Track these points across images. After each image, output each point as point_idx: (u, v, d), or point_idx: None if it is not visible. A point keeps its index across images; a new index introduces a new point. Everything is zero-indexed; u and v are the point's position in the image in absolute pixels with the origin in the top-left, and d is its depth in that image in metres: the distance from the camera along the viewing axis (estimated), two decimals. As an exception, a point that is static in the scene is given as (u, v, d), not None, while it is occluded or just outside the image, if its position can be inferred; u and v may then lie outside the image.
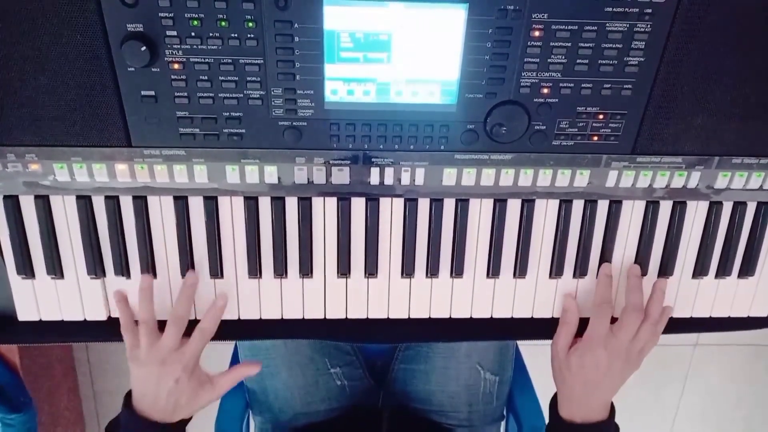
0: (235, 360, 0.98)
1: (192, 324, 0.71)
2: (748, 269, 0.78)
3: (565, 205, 0.72)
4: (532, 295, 0.77)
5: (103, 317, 0.74)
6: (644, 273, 0.76)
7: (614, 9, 0.60)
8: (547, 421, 0.79)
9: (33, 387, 1.25)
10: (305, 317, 0.76)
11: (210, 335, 0.71)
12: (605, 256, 0.75)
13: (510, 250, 0.74)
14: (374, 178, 0.68)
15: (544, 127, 0.66)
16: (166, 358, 0.69)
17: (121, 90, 0.61)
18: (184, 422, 0.74)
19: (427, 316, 0.77)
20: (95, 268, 0.71)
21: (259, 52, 0.60)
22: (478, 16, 0.59)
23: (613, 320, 0.73)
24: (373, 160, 0.67)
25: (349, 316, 0.76)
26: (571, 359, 0.72)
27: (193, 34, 0.59)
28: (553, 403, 0.77)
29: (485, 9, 0.59)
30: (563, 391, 0.75)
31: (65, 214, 0.69)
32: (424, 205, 0.71)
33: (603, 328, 0.71)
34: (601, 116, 0.66)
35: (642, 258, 0.75)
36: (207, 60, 0.60)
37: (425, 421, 0.95)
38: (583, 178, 0.70)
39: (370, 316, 0.76)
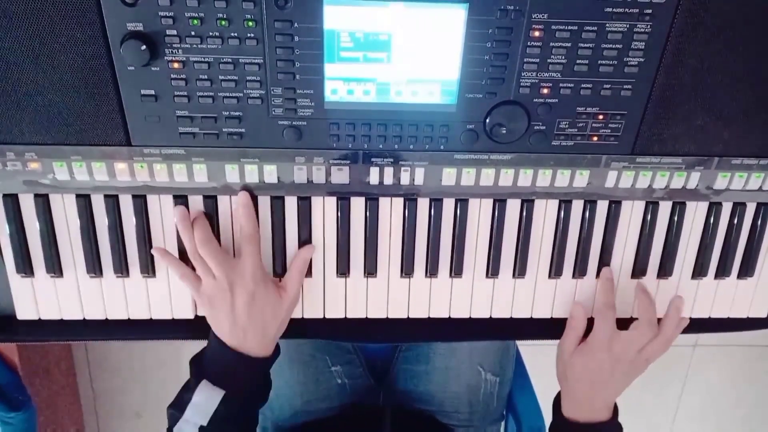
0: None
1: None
2: (747, 270, 0.78)
3: (565, 205, 0.72)
4: (531, 295, 0.77)
5: (102, 316, 0.74)
6: (643, 273, 0.76)
7: (614, 9, 0.60)
8: (549, 420, 0.79)
9: (32, 386, 1.25)
10: (304, 317, 0.76)
11: (257, 237, 0.68)
12: (605, 257, 0.75)
13: (509, 250, 0.74)
14: (374, 177, 0.68)
15: (544, 127, 0.66)
16: (230, 279, 0.65)
17: (120, 89, 0.61)
18: (272, 359, 0.71)
19: (426, 316, 0.77)
20: (95, 267, 0.71)
21: (259, 51, 0.60)
22: (478, 16, 0.59)
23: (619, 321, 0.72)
24: (372, 159, 0.67)
25: (348, 316, 0.76)
26: (575, 361, 0.73)
27: (193, 33, 0.59)
28: (557, 402, 0.78)
29: (485, 9, 0.59)
30: (566, 391, 0.75)
31: (65, 212, 0.69)
32: (423, 205, 0.71)
33: (606, 332, 0.71)
34: (600, 116, 0.66)
35: (641, 258, 0.75)
36: (207, 59, 0.60)
37: (427, 419, 0.95)
38: (582, 179, 0.70)
39: (369, 316, 0.76)
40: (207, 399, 0.65)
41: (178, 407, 0.67)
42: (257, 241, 0.68)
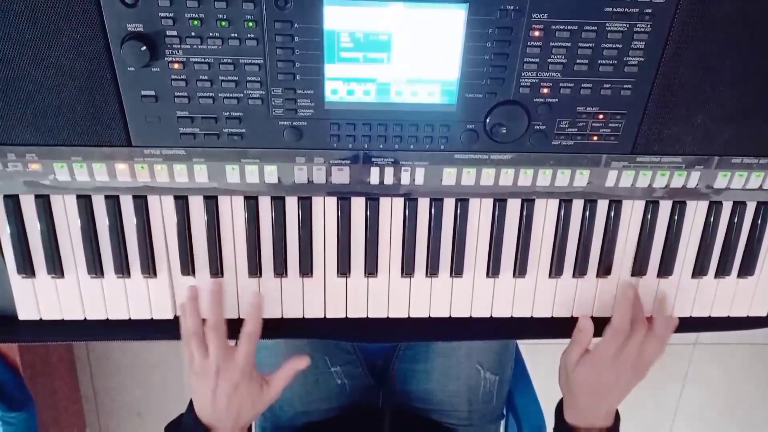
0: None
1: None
2: (747, 269, 0.78)
3: (565, 204, 0.72)
4: (531, 294, 0.77)
5: (103, 317, 0.74)
6: (643, 273, 0.76)
7: (614, 9, 0.60)
8: (549, 422, 0.79)
9: (33, 386, 1.25)
10: (305, 317, 0.76)
11: (257, 336, 0.70)
12: (605, 256, 0.75)
13: (510, 250, 0.74)
14: (374, 177, 0.68)
15: (544, 127, 0.66)
16: (220, 366, 0.68)
17: (121, 90, 0.61)
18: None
19: (426, 316, 0.77)
20: (95, 267, 0.71)
21: (259, 52, 0.60)
22: (478, 16, 0.59)
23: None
24: (373, 159, 0.67)
25: (349, 316, 0.76)
26: (579, 373, 0.73)
27: (193, 33, 0.59)
28: (559, 408, 0.78)
29: (485, 9, 0.59)
30: (569, 399, 0.76)
31: (65, 213, 0.69)
32: (424, 205, 0.71)
33: (613, 350, 0.71)
34: (600, 116, 0.66)
35: (641, 258, 0.76)
36: (207, 60, 0.60)
37: (427, 420, 0.95)
38: (582, 178, 0.70)
39: (370, 316, 0.76)
40: None
41: None
42: (255, 340, 0.70)
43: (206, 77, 0.61)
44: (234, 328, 0.75)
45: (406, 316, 0.77)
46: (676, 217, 0.74)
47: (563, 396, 0.77)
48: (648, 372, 0.73)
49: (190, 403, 0.72)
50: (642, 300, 0.77)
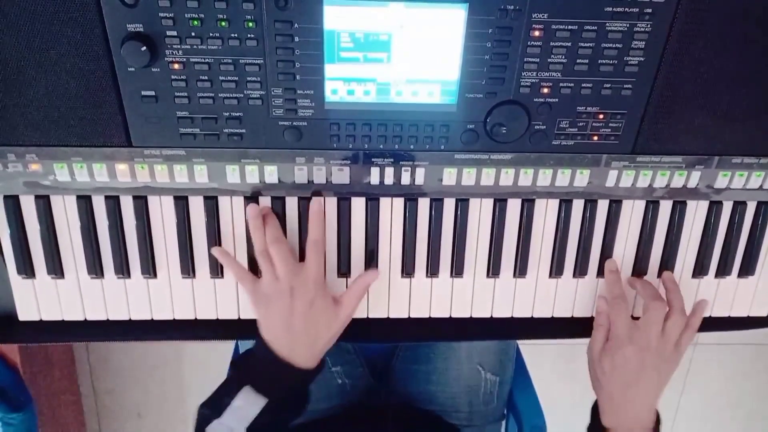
0: (235, 359, 0.98)
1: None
2: (748, 269, 0.78)
3: (565, 204, 0.72)
4: (532, 294, 0.77)
5: (103, 317, 0.74)
6: (644, 273, 0.76)
7: (614, 9, 0.60)
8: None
9: (33, 386, 1.25)
10: (305, 317, 0.76)
11: (323, 244, 0.68)
12: (605, 256, 0.75)
13: (510, 250, 0.74)
14: (374, 177, 0.68)
15: (544, 127, 0.66)
16: (292, 284, 0.65)
17: (121, 90, 0.61)
18: (316, 372, 0.69)
19: (427, 316, 0.77)
20: (95, 267, 0.71)
21: (259, 52, 0.60)
22: (478, 16, 0.59)
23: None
24: (373, 159, 0.67)
25: (349, 316, 0.76)
26: (604, 362, 0.71)
27: (193, 34, 0.59)
28: (594, 410, 0.75)
29: (485, 9, 0.59)
30: (603, 397, 0.72)
31: (65, 214, 0.69)
32: (424, 205, 0.71)
33: (624, 323, 0.70)
34: (601, 116, 0.66)
35: (642, 257, 0.75)
36: (207, 60, 0.60)
37: (431, 418, 0.95)
38: (583, 178, 0.70)
39: (370, 316, 0.76)
40: (248, 405, 0.64)
41: (214, 408, 0.65)
42: (323, 249, 0.67)
43: (206, 77, 0.61)
44: (233, 327, 0.75)
45: (407, 316, 0.77)
46: (676, 217, 0.74)
47: (597, 395, 0.74)
48: (681, 357, 0.70)
49: (258, 338, 0.67)
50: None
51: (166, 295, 0.73)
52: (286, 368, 0.65)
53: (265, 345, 0.66)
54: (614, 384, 0.70)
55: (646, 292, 0.72)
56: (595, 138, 0.67)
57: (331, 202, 0.71)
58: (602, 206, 0.73)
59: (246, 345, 0.94)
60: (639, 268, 0.76)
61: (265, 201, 0.70)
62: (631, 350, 0.69)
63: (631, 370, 0.69)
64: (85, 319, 0.74)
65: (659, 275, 0.77)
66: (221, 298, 0.74)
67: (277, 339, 0.65)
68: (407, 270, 0.74)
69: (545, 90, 0.64)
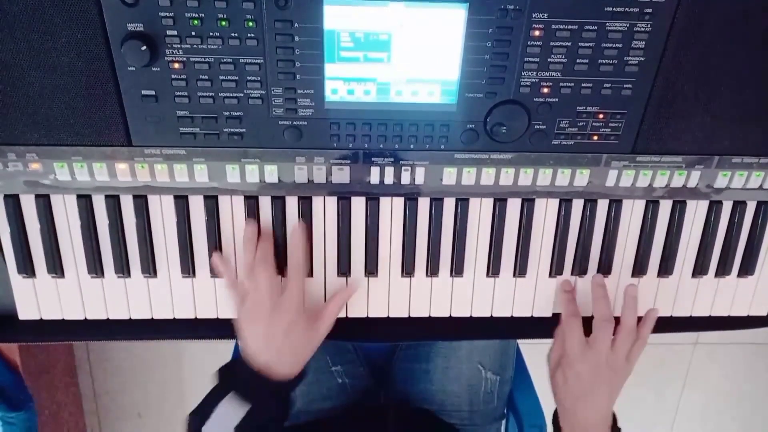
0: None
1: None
2: (747, 268, 0.78)
3: (565, 204, 0.72)
4: (531, 294, 0.77)
5: (104, 316, 0.74)
6: (644, 272, 0.76)
7: (614, 9, 0.60)
8: (550, 420, 0.79)
9: (33, 386, 1.25)
10: (305, 316, 0.76)
11: (305, 268, 0.70)
12: (605, 256, 0.75)
13: (510, 250, 0.74)
14: (374, 177, 0.68)
15: (544, 127, 0.66)
16: (275, 302, 0.67)
17: (121, 89, 0.61)
18: (296, 382, 0.71)
19: (427, 315, 0.77)
20: (96, 267, 0.71)
21: (260, 51, 0.60)
22: (478, 16, 0.59)
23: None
24: (373, 159, 0.67)
25: (349, 315, 0.76)
26: (557, 376, 0.73)
27: (193, 33, 0.59)
28: (555, 417, 0.77)
29: (485, 9, 0.59)
30: (559, 407, 0.75)
31: (66, 213, 0.69)
32: (424, 205, 0.71)
33: (576, 341, 0.71)
34: (601, 116, 0.66)
35: (642, 257, 0.76)
36: (207, 59, 0.60)
37: (431, 418, 0.95)
38: (583, 178, 0.70)
39: (370, 315, 0.76)
40: (233, 411, 0.66)
41: (201, 414, 0.67)
42: (304, 272, 0.70)
43: (206, 77, 0.61)
44: (233, 326, 0.75)
45: (407, 315, 0.77)
46: (676, 217, 0.74)
47: (556, 404, 0.76)
48: (633, 367, 0.72)
49: (236, 347, 0.69)
50: (643, 299, 0.78)
51: (166, 295, 0.73)
52: (267, 378, 0.67)
53: (246, 356, 0.68)
54: (567, 397, 0.73)
55: (596, 312, 0.73)
56: (595, 138, 0.67)
57: (331, 202, 0.71)
58: (602, 206, 0.73)
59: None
60: (639, 268, 0.76)
61: (265, 201, 0.70)
62: (582, 368, 0.71)
63: (583, 385, 0.71)
64: (85, 319, 0.74)
65: (659, 274, 0.77)
66: (221, 298, 0.74)
67: (257, 353, 0.67)
68: (407, 269, 0.74)
69: (545, 90, 0.64)
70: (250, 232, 0.70)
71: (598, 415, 0.72)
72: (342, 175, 0.68)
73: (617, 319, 0.72)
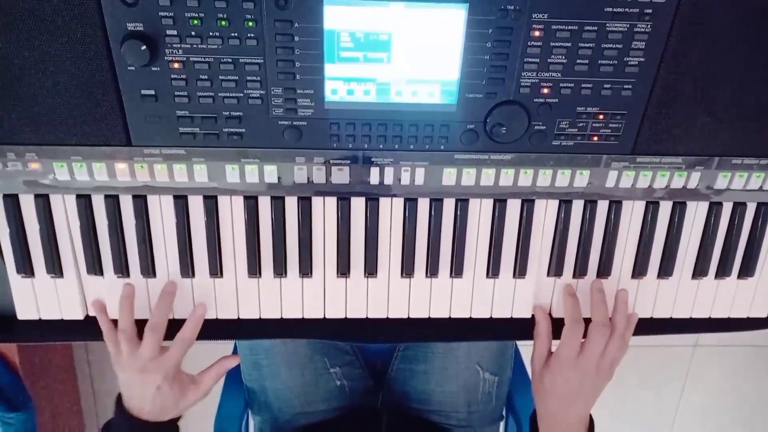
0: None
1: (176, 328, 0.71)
2: (747, 270, 0.78)
3: (565, 205, 0.72)
4: (531, 295, 0.77)
5: (103, 316, 0.74)
6: (643, 274, 0.76)
7: (614, 9, 0.60)
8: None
9: (32, 386, 1.25)
10: (305, 317, 0.76)
11: (190, 343, 0.72)
12: (605, 257, 0.75)
13: (510, 250, 0.74)
14: (374, 177, 0.68)
15: (544, 127, 0.66)
16: (145, 366, 0.69)
17: (121, 89, 0.61)
18: (175, 420, 0.74)
19: (426, 316, 0.77)
20: (95, 267, 0.71)
21: (259, 51, 0.60)
22: (478, 16, 0.59)
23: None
24: (373, 159, 0.67)
25: (348, 316, 0.76)
26: (545, 378, 0.73)
27: (193, 33, 0.59)
28: (533, 418, 0.78)
29: (485, 9, 0.59)
30: (540, 407, 0.75)
31: (65, 213, 0.69)
32: (423, 205, 0.71)
33: (573, 347, 0.71)
34: (601, 116, 0.66)
35: (642, 258, 0.75)
36: (207, 59, 0.60)
37: (425, 421, 0.95)
38: (582, 178, 0.70)
39: (369, 316, 0.76)
40: None
41: None
42: (188, 346, 0.71)
43: (206, 77, 0.61)
44: (233, 327, 0.75)
45: (406, 316, 0.77)
46: (676, 218, 0.74)
47: (536, 404, 0.76)
48: (613, 374, 0.73)
49: (119, 395, 0.72)
50: (643, 301, 0.77)
51: (166, 295, 0.73)
52: (136, 421, 0.70)
53: (120, 402, 0.72)
54: (552, 400, 0.73)
55: (594, 317, 0.73)
56: (595, 138, 0.67)
57: (331, 203, 0.70)
58: (602, 207, 0.73)
59: (243, 344, 0.94)
60: (638, 269, 0.76)
61: (265, 201, 0.70)
62: (573, 374, 0.71)
63: (571, 389, 0.71)
64: (85, 319, 0.74)
65: (659, 276, 0.77)
66: (220, 298, 0.74)
67: (128, 399, 0.71)
68: (407, 270, 0.74)
69: (545, 90, 0.64)
70: (127, 293, 0.71)
71: (578, 417, 0.73)
72: (342, 175, 0.68)
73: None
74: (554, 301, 0.77)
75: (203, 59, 0.60)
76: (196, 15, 0.58)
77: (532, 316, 0.77)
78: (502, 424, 1.02)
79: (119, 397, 0.72)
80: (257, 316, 0.75)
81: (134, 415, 0.70)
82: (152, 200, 0.69)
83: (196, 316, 0.72)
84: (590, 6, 0.59)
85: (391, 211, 0.71)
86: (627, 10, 0.60)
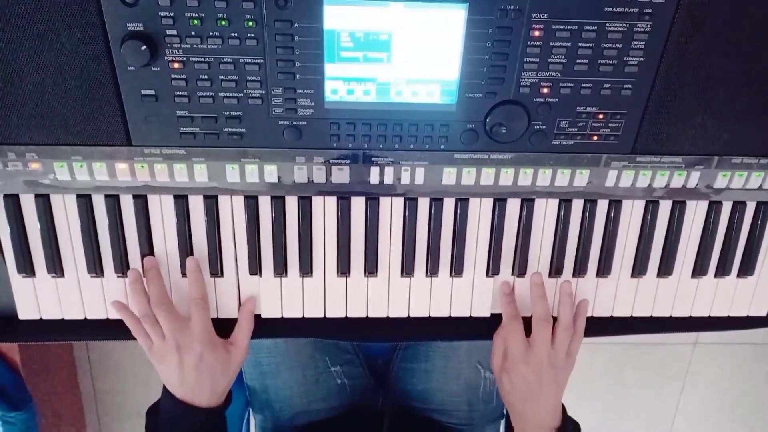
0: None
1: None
2: (747, 269, 0.78)
3: (565, 204, 0.72)
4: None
5: (104, 316, 0.74)
6: (643, 273, 0.76)
7: (614, 9, 0.60)
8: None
9: (33, 385, 1.25)
10: (305, 316, 0.76)
11: (205, 301, 0.70)
12: (605, 256, 0.75)
13: (509, 250, 0.74)
14: (374, 177, 0.68)
15: (544, 127, 0.66)
16: (179, 341, 0.68)
17: (121, 89, 0.61)
18: (225, 406, 0.73)
19: (426, 315, 0.77)
20: (95, 266, 0.71)
21: (259, 51, 0.60)
22: (478, 16, 0.59)
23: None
24: (373, 159, 0.67)
25: (348, 315, 0.76)
26: (503, 379, 0.73)
27: (193, 33, 0.59)
28: (508, 420, 0.78)
29: (485, 9, 0.59)
30: (509, 409, 0.75)
31: (65, 212, 0.69)
32: (423, 205, 0.71)
33: (518, 344, 0.71)
34: (600, 116, 0.66)
35: (641, 257, 0.76)
36: (207, 59, 0.60)
37: (426, 420, 0.95)
38: (582, 178, 0.70)
39: (370, 315, 0.76)
40: None
41: None
42: (206, 305, 0.71)
43: (206, 77, 0.61)
44: (233, 326, 0.75)
45: (406, 315, 0.77)
46: (675, 217, 0.74)
47: (506, 407, 0.76)
48: (575, 361, 0.73)
49: (163, 388, 0.71)
50: (642, 299, 0.78)
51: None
52: (188, 410, 0.69)
53: (168, 392, 0.70)
54: (515, 399, 0.73)
55: (535, 312, 0.73)
56: (595, 138, 0.67)
57: (331, 202, 0.71)
58: (602, 206, 0.73)
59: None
60: (638, 268, 0.76)
61: (265, 200, 0.70)
62: (526, 370, 0.71)
63: (530, 386, 0.71)
64: (85, 318, 0.74)
65: (659, 275, 0.77)
66: (221, 297, 0.74)
67: (176, 389, 0.69)
68: (407, 269, 0.74)
69: (545, 90, 0.64)
70: (134, 277, 0.70)
71: (546, 412, 0.73)
72: (342, 175, 0.68)
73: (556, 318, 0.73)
74: (556, 301, 0.77)
75: (203, 59, 0.60)
76: (196, 15, 0.58)
77: (532, 316, 0.77)
78: (502, 423, 1.02)
79: (166, 392, 0.70)
80: (258, 315, 0.75)
81: (188, 402, 0.68)
82: (152, 200, 0.69)
83: (191, 269, 0.70)
84: (590, 6, 0.59)
85: (391, 210, 0.72)
86: (627, 10, 0.60)
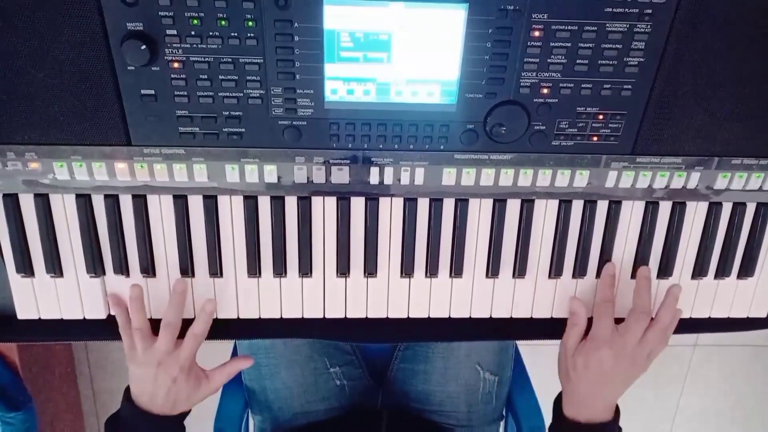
0: (234, 359, 0.98)
1: (186, 324, 0.71)
2: (747, 270, 0.78)
3: (565, 205, 0.72)
4: (531, 295, 0.77)
5: (103, 316, 0.74)
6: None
7: (614, 9, 0.60)
8: (549, 419, 0.79)
9: (32, 386, 1.25)
10: (304, 317, 0.76)
11: (202, 337, 0.72)
12: (605, 257, 0.75)
13: (509, 250, 0.74)
14: (374, 177, 0.68)
15: (544, 127, 0.66)
16: (162, 360, 0.70)
17: (121, 89, 0.61)
18: (184, 414, 0.75)
19: (426, 316, 0.77)
20: (95, 266, 0.71)
21: (259, 51, 0.60)
22: (478, 16, 0.59)
23: (620, 321, 0.72)
24: (372, 159, 0.67)
25: (348, 316, 0.76)
26: (577, 359, 0.72)
27: (193, 33, 0.59)
28: (558, 401, 0.77)
29: (485, 9, 0.59)
30: (568, 390, 0.74)
31: (65, 212, 0.69)
32: (423, 205, 0.71)
33: (606, 327, 0.71)
34: (600, 116, 0.66)
35: (641, 258, 0.75)
36: (207, 59, 0.60)
37: (425, 421, 0.95)
38: (582, 179, 0.70)
39: (369, 316, 0.76)
40: None
41: None
42: (200, 341, 0.72)
43: (206, 76, 0.61)
44: (233, 327, 0.75)
45: (406, 316, 0.77)
46: (675, 218, 0.74)
47: (563, 387, 0.76)
48: (649, 366, 0.72)
49: (126, 390, 0.73)
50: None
51: (165, 295, 0.73)
52: (146, 415, 0.71)
53: (129, 395, 0.73)
54: (583, 381, 0.72)
55: (640, 301, 0.73)
56: (595, 138, 0.67)
57: (331, 202, 0.70)
58: (602, 207, 0.73)
59: (243, 344, 0.94)
60: (638, 269, 0.76)
61: (265, 200, 0.70)
62: (607, 353, 0.70)
63: (603, 371, 0.71)
64: (84, 318, 0.74)
65: (659, 276, 0.77)
66: (220, 298, 0.74)
67: (140, 395, 0.72)
68: (406, 270, 0.74)
69: (545, 90, 0.64)
70: (137, 293, 0.71)
71: (606, 404, 0.73)
72: (341, 175, 0.68)
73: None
74: (556, 302, 0.77)
75: (203, 59, 0.60)
76: (196, 15, 0.58)
77: (531, 317, 0.77)
78: (502, 424, 1.02)
79: (127, 393, 0.73)
80: (257, 316, 0.75)
81: (145, 409, 0.71)
82: (152, 200, 0.69)
83: (207, 311, 0.72)
84: (590, 6, 0.59)
85: (391, 210, 0.71)
86: (627, 10, 0.60)
